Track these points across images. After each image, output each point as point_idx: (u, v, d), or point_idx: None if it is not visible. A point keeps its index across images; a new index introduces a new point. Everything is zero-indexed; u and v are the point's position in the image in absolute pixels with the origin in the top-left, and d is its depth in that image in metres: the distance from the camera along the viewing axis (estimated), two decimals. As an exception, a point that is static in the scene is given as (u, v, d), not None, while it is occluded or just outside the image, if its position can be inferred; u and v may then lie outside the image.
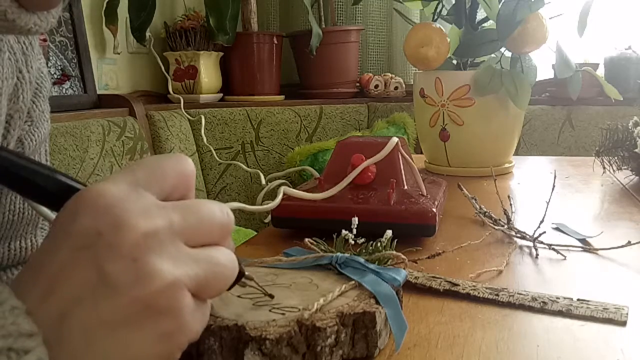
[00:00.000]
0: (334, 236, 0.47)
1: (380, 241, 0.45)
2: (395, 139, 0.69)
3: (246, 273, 0.35)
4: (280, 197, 0.57)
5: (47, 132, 0.54)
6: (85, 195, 0.28)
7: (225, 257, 0.30)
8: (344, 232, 0.45)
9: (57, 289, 0.26)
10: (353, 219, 0.47)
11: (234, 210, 0.47)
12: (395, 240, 0.46)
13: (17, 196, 0.52)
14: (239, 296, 0.38)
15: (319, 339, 0.33)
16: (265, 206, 0.54)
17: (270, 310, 0.35)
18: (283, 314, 0.35)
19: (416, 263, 0.55)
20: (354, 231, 0.46)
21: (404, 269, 0.43)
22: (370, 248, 0.45)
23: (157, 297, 0.27)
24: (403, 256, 0.44)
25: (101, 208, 0.27)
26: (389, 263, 0.44)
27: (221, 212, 0.31)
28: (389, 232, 0.46)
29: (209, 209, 0.30)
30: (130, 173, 0.29)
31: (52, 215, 0.38)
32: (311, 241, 0.47)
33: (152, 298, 0.27)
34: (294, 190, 0.59)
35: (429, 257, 0.57)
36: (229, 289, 0.32)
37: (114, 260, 0.26)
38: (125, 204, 0.27)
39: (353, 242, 0.45)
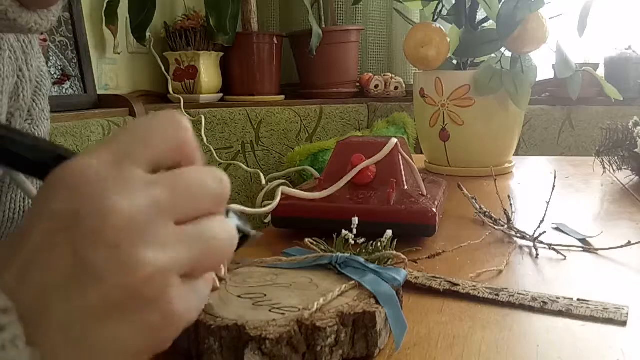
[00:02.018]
0: (334, 236, 0.47)
1: (380, 241, 0.45)
2: (394, 139, 0.69)
3: (252, 232, 0.32)
4: (278, 198, 0.57)
5: (47, 130, 0.54)
6: (63, 172, 0.25)
7: (220, 228, 0.28)
8: (343, 232, 0.45)
9: (32, 273, 0.25)
10: (353, 218, 0.47)
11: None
12: (395, 240, 0.46)
13: (18, 194, 0.51)
14: (238, 296, 0.38)
15: (319, 338, 0.33)
16: (264, 208, 0.54)
17: (270, 310, 0.36)
18: (283, 313, 0.35)
19: (416, 263, 0.55)
20: (354, 231, 0.46)
21: (404, 269, 0.43)
22: (370, 248, 0.45)
23: (143, 286, 0.25)
24: (403, 256, 0.44)
25: (79, 187, 0.25)
26: (388, 263, 0.44)
27: (214, 179, 0.28)
28: (388, 232, 0.46)
29: (199, 178, 0.28)
30: (114, 144, 0.27)
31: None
32: (311, 241, 0.48)
33: (137, 288, 0.25)
34: (293, 189, 0.59)
35: (428, 257, 0.57)
36: (237, 249, 0.30)
37: (95, 247, 0.24)
38: (107, 183, 0.25)
39: (353, 242, 0.45)
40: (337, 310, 0.35)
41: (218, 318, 0.34)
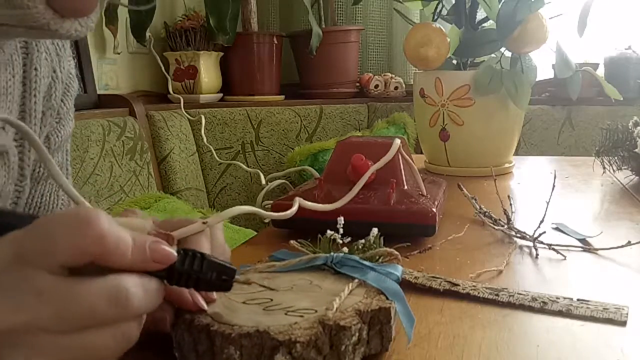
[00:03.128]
0: (319, 236, 0.46)
1: (367, 239, 0.45)
2: (398, 141, 0.69)
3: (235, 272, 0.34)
4: (296, 206, 0.57)
5: (71, 130, 0.56)
6: None
7: (103, 343, 0.28)
8: (329, 232, 0.45)
9: None
10: (339, 218, 0.46)
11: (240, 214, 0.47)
12: (382, 237, 0.46)
13: (36, 190, 0.54)
14: (243, 302, 0.37)
15: (344, 337, 0.33)
16: (281, 213, 0.54)
17: (285, 314, 0.35)
18: (301, 316, 0.34)
19: (407, 258, 0.55)
20: (341, 230, 0.45)
21: (397, 264, 0.43)
22: (361, 246, 0.45)
23: None
24: (396, 252, 0.44)
25: None
26: (380, 260, 0.44)
27: (109, 302, 0.28)
28: (374, 230, 0.46)
29: (90, 303, 0.27)
30: (17, 243, 0.28)
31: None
32: (296, 243, 0.47)
33: None
34: (309, 202, 0.59)
35: (419, 252, 0.58)
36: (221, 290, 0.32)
37: None
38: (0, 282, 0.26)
39: (341, 241, 0.44)
40: (354, 309, 0.35)
41: (235, 326, 0.33)
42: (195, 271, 0.32)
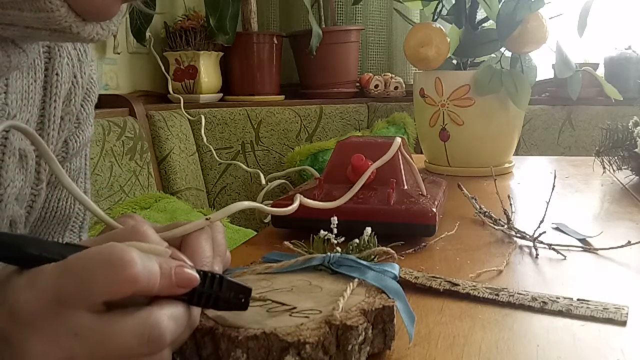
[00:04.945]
0: (311, 236, 0.46)
1: (362, 238, 0.45)
2: (398, 140, 0.69)
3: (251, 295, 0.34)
4: (297, 202, 0.57)
5: (91, 135, 0.57)
6: (8, 297, 0.29)
7: None
8: (322, 232, 0.45)
9: None
10: (332, 218, 0.46)
11: (242, 210, 0.47)
12: (375, 236, 0.46)
13: (52, 195, 0.54)
14: None
15: (351, 337, 0.33)
16: (283, 209, 0.54)
17: (290, 315, 0.35)
18: (307, 317, 0.34)
19: (402, 257, 0.55)
20: (335, 230, 0.45)
21: (393, 262, 0.43)
22: (356, 246, 0.45)
23: None
24: (392, 251, 0.44)
25: (14, 319, 0.28)
26: (375, 259, 0.44)
27: (140, 341, 0.29)
28: (368, 229, 0.46)
29: (125, 342, 0.28)
30: (55, 287, 0.28)
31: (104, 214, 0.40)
32: (289, 244, 0.47)
33: None
34: (309, 200, 0.59)
35: (414, 250, 0.58)
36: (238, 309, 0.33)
37: None
38: (33, 325, 0.28)
39: (335, 241, 0.44)
40: (358, 308, 0.35)
41: (240, 328, 0.33)
42: (214, 291, 0.33)
